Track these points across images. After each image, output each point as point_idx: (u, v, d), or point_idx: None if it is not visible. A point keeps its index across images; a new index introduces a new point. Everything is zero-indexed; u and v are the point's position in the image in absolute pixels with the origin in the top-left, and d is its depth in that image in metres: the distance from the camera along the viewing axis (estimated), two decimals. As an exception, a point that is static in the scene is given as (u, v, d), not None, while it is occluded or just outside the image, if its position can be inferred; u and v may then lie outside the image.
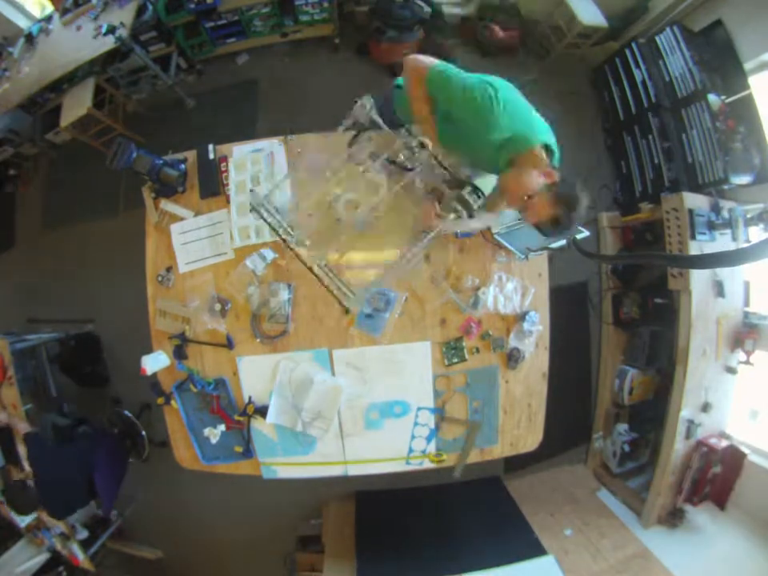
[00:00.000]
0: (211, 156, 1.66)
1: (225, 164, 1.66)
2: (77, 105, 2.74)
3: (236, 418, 1.60)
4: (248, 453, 1.63)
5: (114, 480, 2.28)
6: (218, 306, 1.59)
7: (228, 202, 1.62)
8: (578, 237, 1.57)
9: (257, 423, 1.63)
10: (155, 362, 1.57)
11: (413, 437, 1.64)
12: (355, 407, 1.62)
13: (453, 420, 1.64)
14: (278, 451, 1.66)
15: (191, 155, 1.70)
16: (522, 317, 1.62)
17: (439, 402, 1.63)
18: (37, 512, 2.29)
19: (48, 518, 2.28)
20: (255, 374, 1.62)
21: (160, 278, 1.63)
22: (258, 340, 1.60)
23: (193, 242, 1.63)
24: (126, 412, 2.65)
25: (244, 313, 1.60)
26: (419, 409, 1.62)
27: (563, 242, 1.56)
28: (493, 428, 1.66)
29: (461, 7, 3.09)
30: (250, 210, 1.38)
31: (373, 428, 1.63)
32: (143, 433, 2.59)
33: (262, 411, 1.59)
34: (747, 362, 2.27)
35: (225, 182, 1.64)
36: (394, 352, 1.60)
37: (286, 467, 1.67)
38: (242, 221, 1.60)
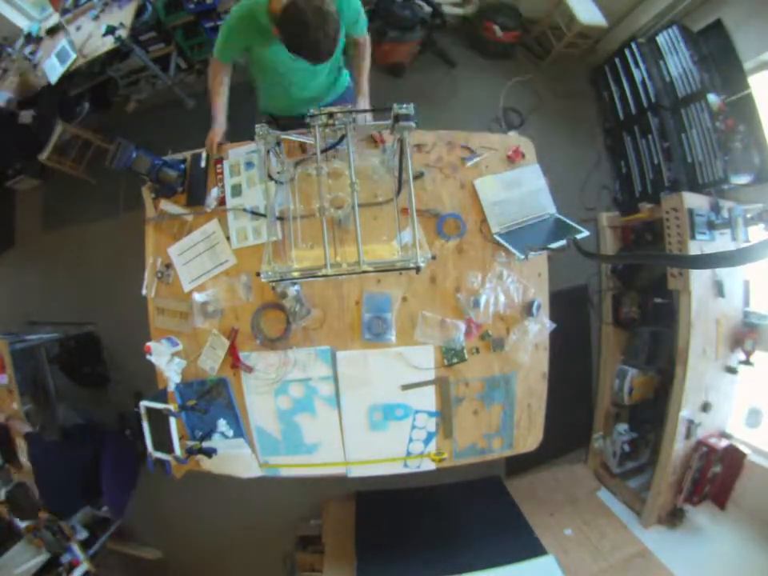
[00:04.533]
0: (203, 164, 1.66)
1: (220, 166, 1.66)
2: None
3: (182, 456, 1.52)
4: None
5: (119, 483, 2.25)
6: (210, 308, 1.59)
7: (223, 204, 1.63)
8: (578, 236, 1.56)
9: (260, 420, 1.64)
10: (159, 350, 1.56)
11: (410, 440, 1.64)
12: (358, 408, 1.62)
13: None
14: (280, 450, 1.66)
15: (190, 156, 1.70)
16: (527, 307, 1.62)
17: (456, 409, 1.63)
18: (38, 516, 2.29)
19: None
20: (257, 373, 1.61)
21: (159, 275, 1.64)
22: (258, 342, 1.59)
23: (193, 259, 1.63)
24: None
25: (244, 312, 1.60)
26: (417, 412, 1.62)
27: (563, 241, 1.56)
28: (510, 434, 1.67)
29: (461, 7, 3.09)
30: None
31: (376, 429, 1.63)
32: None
33: (208, 452, 1.54)
34: (747, 362, 2.27)
35: (220, 183, 1.65)
36: (397, 355, 1.60)
37: (288, 467, 1.67)
38: (238, 222, 1.60)
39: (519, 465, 2.71)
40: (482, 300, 1.59)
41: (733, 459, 2.24)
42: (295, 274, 1.12)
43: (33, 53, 2.91)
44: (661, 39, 2.64)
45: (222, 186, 1.65)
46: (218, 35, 1.52)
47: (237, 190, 1.64)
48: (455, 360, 1.60)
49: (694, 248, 2.14)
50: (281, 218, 1.48)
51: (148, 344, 1.54)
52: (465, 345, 1.60)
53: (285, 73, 1.55)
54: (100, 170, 3.08)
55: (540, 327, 1.63)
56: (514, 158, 1.70)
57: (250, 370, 1.59)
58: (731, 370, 2.31)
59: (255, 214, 1.59)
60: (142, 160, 1.56)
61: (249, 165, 1.65)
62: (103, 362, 2.93)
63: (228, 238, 1.61)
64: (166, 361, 1.56)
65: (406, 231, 1.39)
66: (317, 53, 1.24)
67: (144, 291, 1.66)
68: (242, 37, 1.45)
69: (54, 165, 2.89)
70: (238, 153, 1.68)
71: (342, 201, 1.46)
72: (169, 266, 1.64)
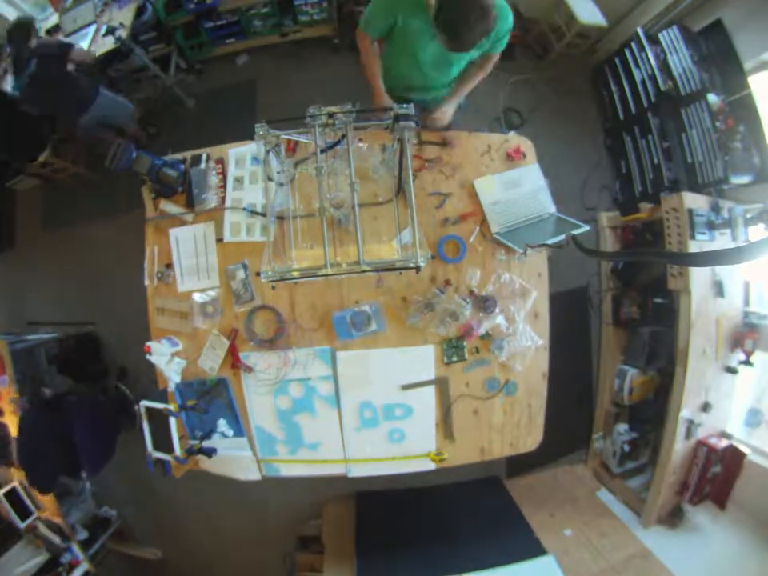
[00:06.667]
0: (202, 166, 1.67)
1: (220, 166, 1.66)
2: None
3: (182, 456, 1.51)
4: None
5: (95, 440, 2.27)
6: (210, 308, 1.59)
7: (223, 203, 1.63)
8: (578, 231, 1.55)
9: (260, 420, 1.64)
10: (159, 350, 1.56)
11: (410, 439, 1.64)
12: (356, 407, 1.62)
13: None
14: (280, 450, 1.66)
15: (190, 156, 1.70)
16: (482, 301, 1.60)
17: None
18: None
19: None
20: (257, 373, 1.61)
21: (160, 275, 1.64)
22: (252, 343, 1.59)
23: (192, 259, 1.64)
24: (122, 385, 2.66)
25: (244, 313, 1.60)
26: (417, 411, 1.62)
27: (561, 237, 1.55)
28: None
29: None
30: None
31: (376, 429, 1.63)
32: (137, 407, 2.54)
33: (207, 452, 1.53)
34: (747, 362, 2.27)
35: (220, 185, 1.65)
36: (397, 355, 1.60)
37: (287, 465, 1.67)
38: (234, 216, 1.61)
39: (519, 465, 2.71)
40: (482, 300, 1.59)
41: (733, 459, 2.24)
42: (295, 274, 1.12)
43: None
44: (661, 39, 2.63)
45: (224, 187, 1.65)
46: (369, 7, 1.51)
47: (239, 183, 1.64)
48: (455, 359, 1.60)
49: (694, 248, 2.14)
50: (280, 218, 1.48)
51: (148, 344, 1.54)
52: (466, 344, 1.60)
53: (414, 52, 1.53)
54: (100, 170, 3.09)
55: (539, 328, 1.63)
56: (514, 157, 1.70)
57: (249, 370, 1.59)
58: (731, 370, 2.31)
59: (255, 213, 1.59)
60: (141, 160, 1.56)
61: (255, 160, 1.65)
62: (102, 362, 2.93)
63: (219, 240, 1.62)
64: (166, 361, 1.56)
65: (406, 231, 1.40)
66: (463, 40, 1.24)
67: (146, 282, 1.66)
68: (395, 8, 1.43)
69: (57, 162, 2.88)
70: (239, 152, 1.68)
71: (342, 201, 1.46)
72: (169, 265, 1.64)
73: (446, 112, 1.68)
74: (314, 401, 1.62)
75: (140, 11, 2.69)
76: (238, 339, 1.60)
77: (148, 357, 1.54)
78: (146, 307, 1.67)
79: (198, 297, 1.60)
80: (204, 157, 1.68)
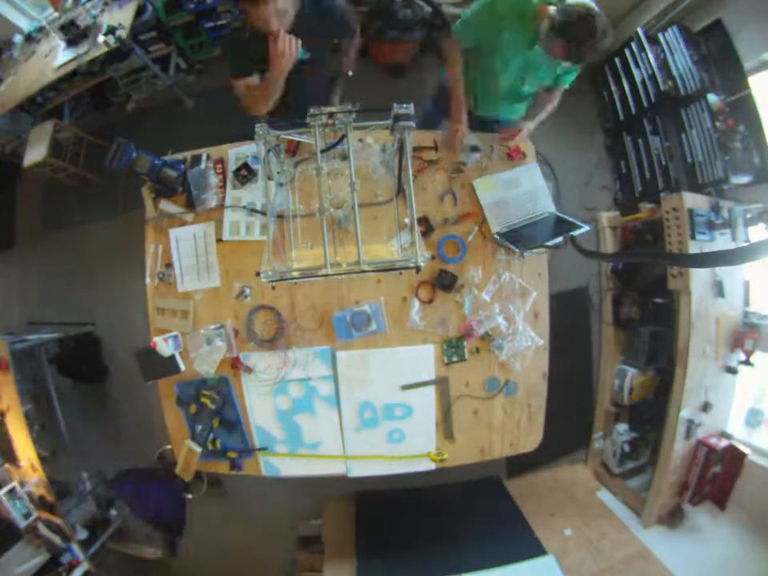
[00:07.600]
0: (202, 166, 1.67)
1: (221, 166, 1.66)
2: (39, 144, 2.76)
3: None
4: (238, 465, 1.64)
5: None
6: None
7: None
8: (578, 231, 1.55)
9: (260, 419, 1.64)
10: (164, 346, 1.55)
11: (410, 439, 1.63)
12: (356, 408, 1.62)
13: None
14: (280, 449, 1.65)
15: (190, 156, 1.70)
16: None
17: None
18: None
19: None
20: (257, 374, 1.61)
21: (161, 275, 1.64)
22: (253, 344, 1.59)
23: (193, 259, 1.64)
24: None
25: (244, 313, 1.61)
26: (417, 411, 1.62)
27: (559, 239, 1.55)
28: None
29: (461, 7, 3.09)
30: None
31: (376, 429, 1.63)
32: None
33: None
34: (747, 362, 2.27)
35: (220, 185, 1.65)
36: (397, 355, 1.60)
37: (287, 462, 1.67)
38: (233, 215, 1.61)
39: (519, 465, 2.71)
40: (483, 300, 1.59)
41: (733, 459, 2.24)
42: (295, 274, 1.12)
43: (33, 53, 2.91)
44: (661, 39, 2.63)
45: (223, 186, 1.65)
46: (468, 14, 1.51)
47: (239, 183, 1.63)
48: (455, 359, 1.60)
49: (694, 248, 2.14)
50: (280, 217, 1.48)
51: (154, 340, 1.53)
52: (466, 344, 1.60)
53: (497, 64, 1.55)
54: (100, 170, 3.09)
55: (539, 328, 1.63)
56: (514, 157, 1.70)
57: (249, 370, 1.59)
58: (731, 370, 2.31)
59: (254, 211, 1.59)
60: (142, 160, 1.55)
61: (255, 159, 1.64)
62: (101, 362, 2.93)
63: (219, 240, 1.62)
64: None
65: (405, 230, 1.40)
66: (581, 50, 1.40)
67: (147, 279, 1.65)
68: (500, 17, 1.43)
69: (56, 163, 2.87)
70: (239, 152, 1.68)
71: (342, 201, 1.46)
72: (169, 265, 1.64)
73: (524, 131, 1.68)
74: (314, 401, 1.62)
75: (140, 11, 2.69)
76: (238, 339, 1.60)
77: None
78: (146, 307, 1.67)
79: (198, 297, 1.60)
80: (204, 157, 1.68)
